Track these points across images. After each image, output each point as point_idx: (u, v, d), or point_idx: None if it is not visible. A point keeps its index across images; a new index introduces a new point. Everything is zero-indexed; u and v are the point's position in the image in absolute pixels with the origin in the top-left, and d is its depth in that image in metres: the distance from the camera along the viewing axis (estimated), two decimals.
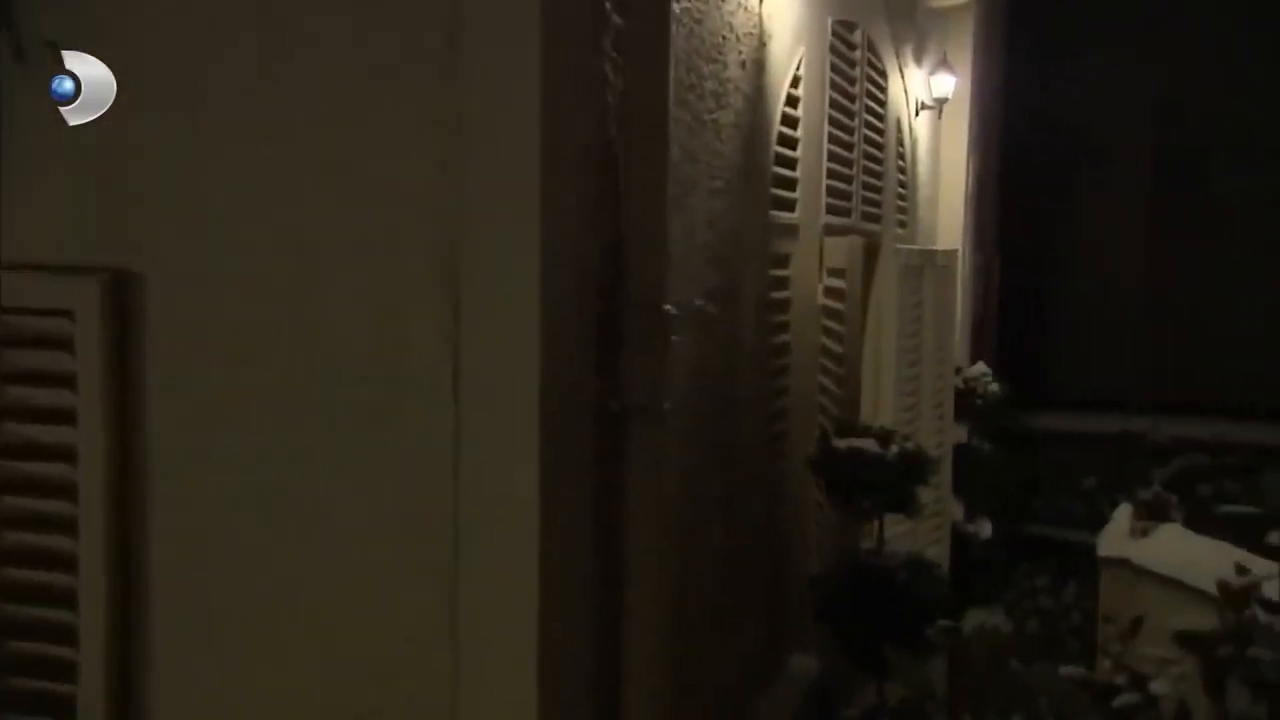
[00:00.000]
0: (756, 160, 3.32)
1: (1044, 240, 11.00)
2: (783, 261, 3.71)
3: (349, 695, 2.05)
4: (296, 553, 2.20)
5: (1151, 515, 6.07)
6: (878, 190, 5.07)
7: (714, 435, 3.05)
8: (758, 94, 3.27)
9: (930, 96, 5.82)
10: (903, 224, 5.70)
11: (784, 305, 3.73)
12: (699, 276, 2.89)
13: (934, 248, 5.71)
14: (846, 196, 4.50)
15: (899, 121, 5.45)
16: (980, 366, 6.15)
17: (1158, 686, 1.78)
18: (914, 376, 5.43)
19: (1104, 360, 11.02)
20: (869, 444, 3.22)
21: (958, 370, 6.15)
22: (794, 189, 3.76)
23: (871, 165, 4.89)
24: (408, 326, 2.12)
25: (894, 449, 3.20)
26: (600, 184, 2.28)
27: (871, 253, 5.23)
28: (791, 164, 3.71)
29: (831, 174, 4.22)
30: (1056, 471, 10.03)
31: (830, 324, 4.05)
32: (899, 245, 5.32)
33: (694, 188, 2.82)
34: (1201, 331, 10.63)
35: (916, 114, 5.79)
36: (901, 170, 5.63)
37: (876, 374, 5.28)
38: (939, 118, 6.11)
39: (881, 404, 5.28)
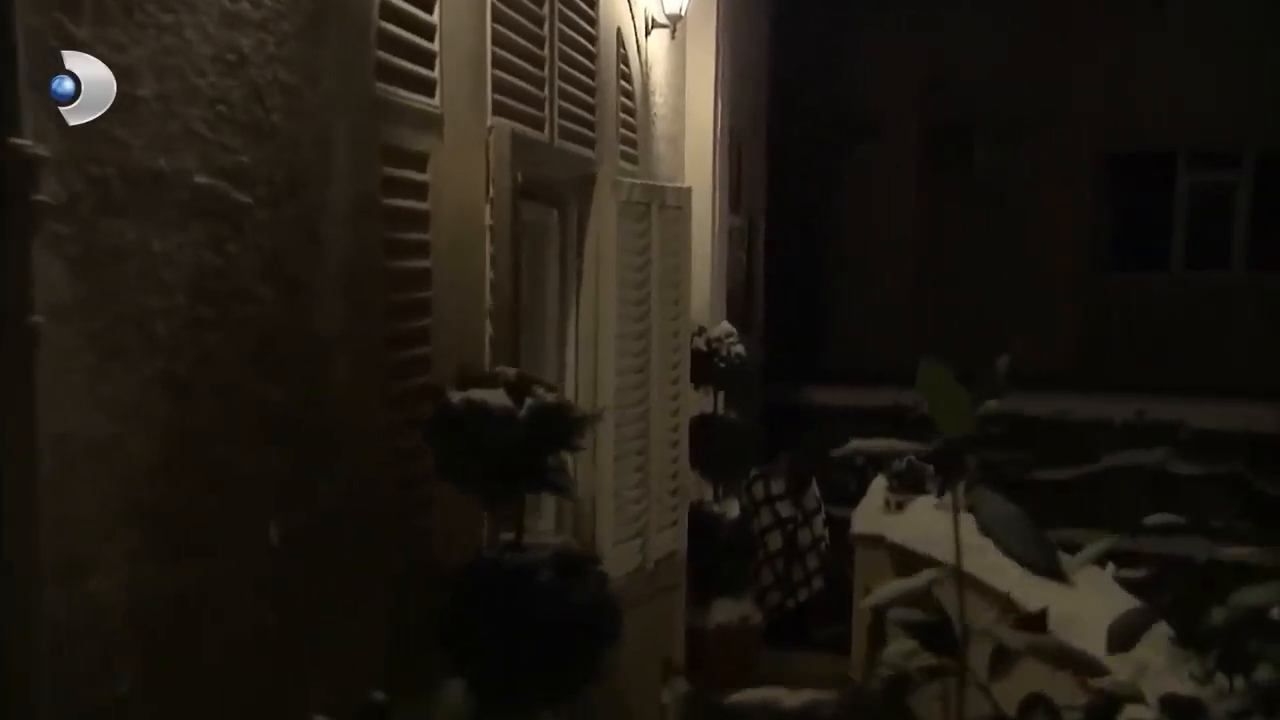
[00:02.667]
0: (338, 1, 2.31)
1: (817, 208, 10.49)
2: (414, 161, 2.71)
3: None
4: None
5: (905, 488, 5.44)
6: (589, 108, 4.15)
7: (251, 387, 2.03)
8: None
9: (663, 13, 4.96)
10: (631, 158, 4.82)
11: (420, 221, 2.75)
12: (204, 141, 1.87)
13: (663, 184, 4.85)
14: (535, 103, 3.55)
15: (620, 33, 4.55)
16: (725, 326, 5.35)
17: None
18: (642, 333, 4.56)
19: (876, 333, 10.65)
20: (496, 397, 2.26)
21: (701, 330, 5.34)
22: (430, 65, 2.77)
23: (575, 74, 3.95)
24: None
25: (530, 403, 2.25)
26: None
27: (586, 183, 4.33)
28: (423, 30, 2.72)
29: (504, 65, 3.26)
30: (829, 446, 9.51)
31: (493, 249, 3.09)
32: (622, 178, 4.42)
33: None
34: (970, 305, 10.34)
35: (647, 32, 4.92)
36: (628, 94, 4.74)
37: (595, 327, 4.39)
38: (673, 39, 5.25)
39: (601, 363, 4.39)
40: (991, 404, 1.13)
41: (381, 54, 2.50)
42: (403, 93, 2.63)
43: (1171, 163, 9.96)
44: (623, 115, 4.64)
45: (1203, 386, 9.15)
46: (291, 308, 2.17)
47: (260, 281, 2.05)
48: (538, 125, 3.60)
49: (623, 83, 4.65)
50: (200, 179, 1.86)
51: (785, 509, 6.36)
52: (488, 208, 3.13)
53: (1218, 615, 1.39)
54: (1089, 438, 9.69)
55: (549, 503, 4.36)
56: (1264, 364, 9.04)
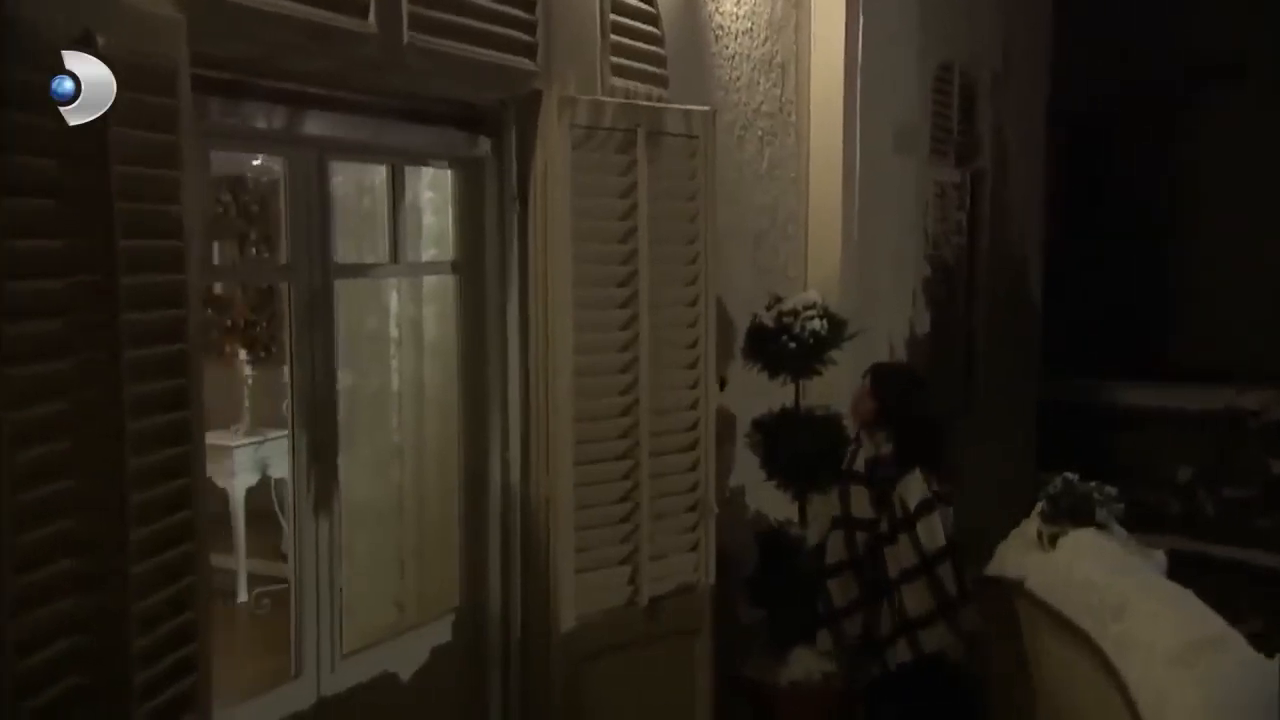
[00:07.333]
0: None
1: (1127, 167, 8.29)
2: None
3: None
4: None
5: (1060, 516, 3.76)
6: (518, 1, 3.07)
7: None
8: None
9: None
10: (652, 79, 3.62)
11: None
12: None
13: (676, 105, 3.56)
14: None
15: None
16: (806, 296, 3.93)
17: None
18: (625, 301, 3.37)
19: (1207, 321, 8.28)
20: None
21: (774, 301, 3.99)
22: None
23: None
24: None
25: None
26: None
27: (529, 103, 3.27)
28: None
29: None
30: (1134, 456, 7.46)
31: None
32: (579, 95, 3.27)
33: None
34: None
35: None
36: None
37: (544, 294, 3.31)
38: None
39: (555, 340, 3.31)
40: None
41: None
42: None
43: None
44: (616, 18, 3.46)
45: None
46: None
47: None
48: (355, 11, 2.61)
49: None
50: None
51: (859, 504, 3.67)
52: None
53: None
54: None
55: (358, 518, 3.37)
56: None
